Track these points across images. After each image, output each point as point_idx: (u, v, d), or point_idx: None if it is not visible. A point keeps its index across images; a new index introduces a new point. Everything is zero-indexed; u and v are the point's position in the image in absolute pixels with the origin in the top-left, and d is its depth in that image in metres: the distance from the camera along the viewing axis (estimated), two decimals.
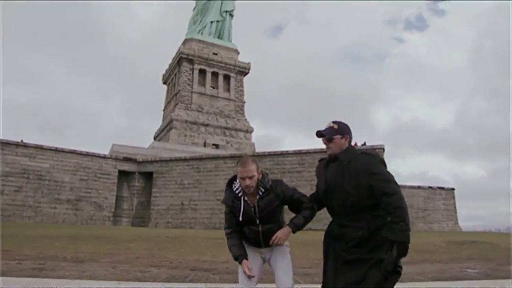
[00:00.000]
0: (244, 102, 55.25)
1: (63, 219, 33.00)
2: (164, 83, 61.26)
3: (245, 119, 54.19)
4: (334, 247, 2.87)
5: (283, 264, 3.13)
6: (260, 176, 3.11)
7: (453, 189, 41.96)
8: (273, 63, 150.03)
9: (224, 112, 52.56)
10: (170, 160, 37.81)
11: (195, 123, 49.52)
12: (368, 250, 2.69)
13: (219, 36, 58.49)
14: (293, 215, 3.20)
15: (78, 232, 17.80)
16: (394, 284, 2.66)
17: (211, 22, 58.55)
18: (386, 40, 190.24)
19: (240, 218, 3.13)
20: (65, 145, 35.77)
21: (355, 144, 30.11)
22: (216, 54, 54.58)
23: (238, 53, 57.97)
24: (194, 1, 61.46)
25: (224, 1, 58.86)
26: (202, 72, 52.88)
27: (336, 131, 2.92)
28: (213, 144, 49.00)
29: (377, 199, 2.68)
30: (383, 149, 32.99)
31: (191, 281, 6.26)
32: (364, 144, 34.80)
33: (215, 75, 53.66)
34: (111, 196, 36.23)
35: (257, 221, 3.09)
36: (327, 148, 2.96)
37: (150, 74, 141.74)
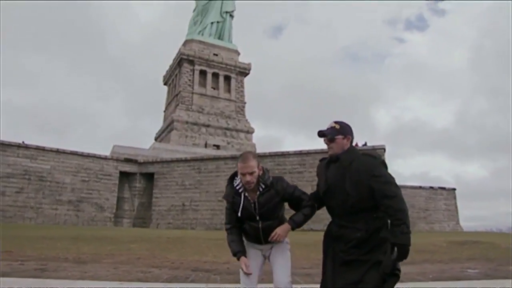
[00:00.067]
0: (245, 103, 55.28)
1: (65, 220, 33.05)
2: (165, 84, 61.33)
3: (246, 120, 54.22)
4: (333, 248, 2.88)
5: (282, 260, 3.14)
6: (261, 172, 3.11)
7: (454, 189, 41.93)
8: (273, 63, 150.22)
9: (225, 113, 52.60)
10: (171, 161, 37.86)
11: (196, 124, 49.57)
12: (366, 251, 2.69)
13: (220, 37, 58.54)
14: (292, 213, 3.21)
15: (79, 233, 17.84)
16: (393, 286, 2.66)
17: (212, 23, 58.60)
18: (387, 40, 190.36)
19: (239, 214, 3.14)
20: (66, 146, 35.86)
21: (356, 145, 30.10)
22: (216, 55, 54.63)
23: (238, 54, 58.02)
24: (194, 2, 61.52)
25: (224, 2, 58.91)
26: (203, 73, 52.93)
27: (338, 131, 2.91)
28: (214, 145, 49.03)
29: (377, 201, 2.68)
30: (384, 149, 32.98)
31: (192, 281, 6.29)
32: (365, 144, 34.78)
33: (215, 76, 53.71)
34: (112, 197, 36.28)
35: (257, 217, 3.10)
36: (328, 148, 2.95)
37: (150, 75, 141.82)
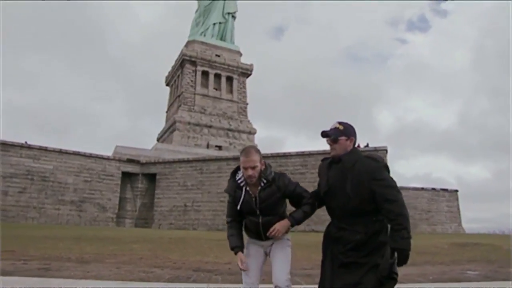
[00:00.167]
0: (247, 104, 55.34)
1: (67, 220, 33.16)
2: (167, 84, 61.44)
3: (248, 121, 54.27)
4: (331, 249, 2.88)
5: (282, 256, 3.13)
6: (263, 167, 3.11)
7: (456, 190, 41.81)
8: (274, 64, 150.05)
9: (227, 113, 52.66)
10: (173, 162, 37.93)
11: (198, 124, 49.65)
12: (364, 254, 2.70)
13: (222, 38, 58.62)
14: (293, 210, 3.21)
15: (82, 233, 17.91)
16: None
17: (214, 24, 58.69)
18: (389, 41, 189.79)
19: (238, 207, 3.15)
20: (66, 146, 36.00)
21: (358, 146, 30.08)
22: (218, 56, 54.71)
23: (240, 54, 58.09)
24: (197, 3, 61.62)
25: (226, 3, 59.00)
26: (205, 74, 53.02)
27: (341, 132, 2.90)
28: (216, 146, 49.09)
29: (378, 204, 2.69)
30: (386, 150, 32.97)
31: (194, 281, 6.34)
32: (367, 145, 34.76)
33: (218, 76, 53.79)
34: (115, 198, 36.38)
35: (257, 212, 3.10)
36: (331, 149, 2.94)
37: (151, 75, 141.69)
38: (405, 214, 2.62)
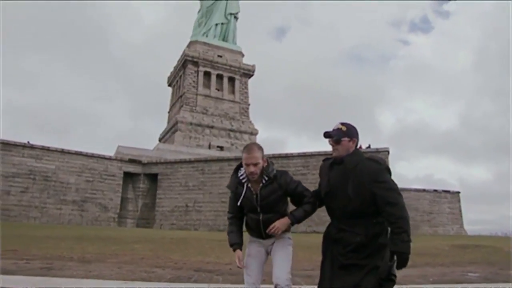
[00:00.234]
0: (249, 104, 55.38)
1: (69, 220, 33.25)
2: (169, 85, 61.52)
3: (250, 121, 54.31)
4: (331, 250, 2.88)
5: (282, 254, 3.11)
6: (265, 164, 3.11)
7: (458, 192, 41.74)
8: (276, 65, 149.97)
9: (229, 114, 52.71)
10: (175, 162, 38.00)
11: (200, 125, 49.71)
12: (364, 256, 2.69)
13: (224, 39, 58.69)
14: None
15: (83, 233, 17.97)
16: None
17: (216, 24, 58.75)
18: (391, 42, 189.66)
19: (239, 203, 3.16)
20: (67, 146, 36.04)
21: (360, 147, 30.02)
22: (221, 56, 54.78)
23: (242, 55, 58.14)
24: (199, 4, 61.74)
25: (228, 4, 59.07)
26: (207, 75, 53.09)
27: (344, 134, 2.88)
28: (218, 146, 49.15)
29: (379, 207, 2.69)
30: (388, 151, 32.97)
31: (195, 281, 6.37)
32: (369, 146, 34.76)
33: (220, 77, 53.84)
34: (116, 198, 36.46)
35: (258, 209, 3.10)
36: (333, 149, 2.92)
37: (153, 76, 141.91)
38: (405, 217, 2.62)
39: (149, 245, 12.66)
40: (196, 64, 52.65)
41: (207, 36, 57.48)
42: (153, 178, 38.25)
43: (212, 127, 50.36)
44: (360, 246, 2.71)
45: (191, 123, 49.20)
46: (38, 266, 7.27)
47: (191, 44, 56.24)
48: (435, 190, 40.69)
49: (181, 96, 52.92)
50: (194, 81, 52.22)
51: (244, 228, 3.36)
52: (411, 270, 7.65)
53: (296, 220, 3.10)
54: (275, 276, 2.98)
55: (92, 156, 36.08)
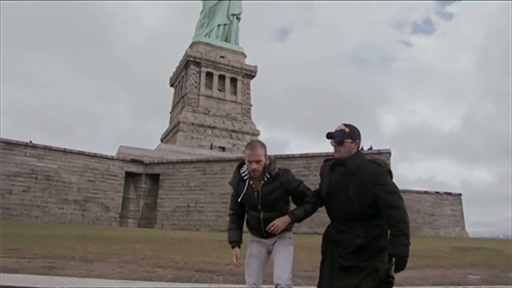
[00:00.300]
0: (251, 105, 55.44)
1: (70, 219, 33.34)
2: (171, 85, 61.63)
3: (252, 122, 54.36)
4: (331, 251, 2.88)
5: (284, 253, 3.10)
6: (268, 162, 3.11)
7: (460, 194, 41.70)
8: (278, 65, 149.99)
9: (231, 115, 52.77)
10: (177, 162, 38.07)
11: (201, 125, 49.78)
12: (365, 258, 2.69)
13: (226, 39, 58.78)
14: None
15: (85, 232, 18.02)
16: None
17: (218, 25, 58.84)
18: (393, 44, 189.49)
19: (239, 199, 3.17)
20: (69, 146, 36.11)
21: (362, 149, 30.02)
22: (223, 57, 54.86)
23: (245, 56, 58.22)
24: (202, 5, 61.85)
25: (231, 5, 59.16)
26: (209, 75, 53.17)
27: (347, 135, 2.88)
28: (220, 147, 49.20)
29: (379, 209, 2.69)
30: (390, 153, 32.95)
31: (196, 281, 6.39)
32: (371, 148, 34.73)
33: (222, 78, 53.92)
34: (118, 197, 36.55)
35: (259, 207, 3.09)
36: (335, 150, 2.92)
37: (155, 76, 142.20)
38: (406, 220, 2.63)
39: (150, 245, 12.70)
40: (198, 64, 52.74)
41: (209, 36, 57.58)
42: (154, 178, 38.32)
43: (214, 127, 50.43)
44: (360, 248, 2.71)
45: (193, 124, 49.27)
46: (40, 265, 7.31)
47: (193, 44, 56.34)
48: (437, 192, 40.67)
49: (183, 97, 53.01)
50: (196, 82, 52.30)
51: (245, 228, 3.36)
52: (412, 272, 7.67)
53: (297, 219, 3.09)
54: (276, 276, 2.97)
55: (94, 156, 36.19)
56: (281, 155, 35.15)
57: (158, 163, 38.54)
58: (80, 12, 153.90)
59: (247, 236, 3.34)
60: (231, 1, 59.22)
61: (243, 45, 59.94)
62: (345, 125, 2.93)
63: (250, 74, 56.19)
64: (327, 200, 2.96)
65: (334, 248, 2.86)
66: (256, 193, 3.10)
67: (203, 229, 33.63)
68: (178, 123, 49.15)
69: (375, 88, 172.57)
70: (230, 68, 54.23)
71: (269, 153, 3.18)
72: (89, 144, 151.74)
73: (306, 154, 34.14)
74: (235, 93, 54.46)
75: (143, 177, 38.36)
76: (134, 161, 38.32)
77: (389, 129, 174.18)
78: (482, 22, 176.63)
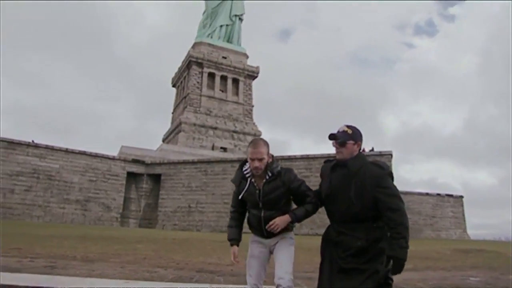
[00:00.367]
0: (253, 106, 55.50)
1: (72, 219, 33.40)
2: (174, 86, 61.73)
3: (253, 123, 54.41)
4: (331, 252, 2.89)
5: (286, 252, 3.10)
6: (270, 160, 3.11)
7: (461, 196, 41.65)
8: (280, 66, 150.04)
9: (233, 115, 52.82)
10: (178, 163, 38.11)
11: (203, 126, 49.83)
12: (365, 260, 2.70)
13: (229, 40, 58.87)
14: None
15: (86, 232, 18.06)
16: None
17: (221, 26, 58.95)
18: (396, 45, 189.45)
19: (240, 196, 3.18)
20: (70, 146, 36.16)
21: (363, 150, 29.99)
22: (225, 57, 54.93)
23: (247, 57, 58.29)
24: (204, 5, 61.95)
25: (233, 6, 59.24)
26: (211, 76, 53.24)
27: (350, 136, 2.88)
28: (221, 148, 49.23)
29: (380, 212, 2.70)
30: (391, 155, 32.93)
31: (197, 281, 6.42)
32: (372, 150, 34.70)
33: (224, 78, 53.98)
34: (119, 198, 36.60)
35: (260, 205, 3.09)
36: (337, 152, 2.91)
37: (156, 77, 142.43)
38: (405, 223, 2.64)
39: (151, 245, 12.73)
40: (200, 65, 52.81)
41: (211, 37, 57.67)
42: (156, 178, 38.37)
43: (215, 128, 50.48)
44: (360, 250, 2.72)
45: (194, 124, 49.33)
46: (42, 264, 7.35)
47: (195, 45, 56.43)
48: (438, 194, 40.63)
49: (185, 97, 53.08)
50: (198, 82, 52.38)
51: (247, 229, 3.37)
52: (412, 274, 7.68)
53: (297, 218, 3.07)
54: (277, 277, 2.96)
55: (95, 156, 36.25)
56: (282, 156, 35.15)
57: (160, 164, 38.59)
58: (81, 12, 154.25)
59: (247, 236, 3.36)
60: (234, 2, 59.30)
61: (245, 46, 60.11)
62: (348, 126, 2.93)
63: (252, 75, 56.26)
64: (327, 201, 2.96)
65: (334, 249, 2.86)
66: (257, 191, 3.10)
67: (204, 229, 33.65)
68: (180, 123, 49.21)
69: (377, 90, 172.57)
70: (232, 68, 54.29)
71: (271, 152, 3.19)
72: (90, 144, 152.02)
73: (308, 155, 34.14)
74: (237, 94, 54.52)
75: (144, 177, 38.41)
76: (135, 161, 38.37)
77: (391, 131, 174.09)
78: (484, 24, 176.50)
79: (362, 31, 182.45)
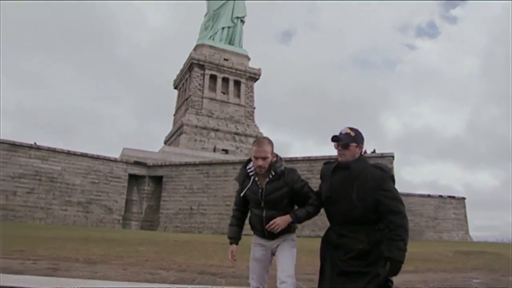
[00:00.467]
0: (254, 108, 55.56)
1: (74, 221, 33.47)
2: (175, 88, 61.86)
3: (255, 125, 54.46)
4: (331, 255, 2.88)
5: (288, 254, 3.09)
6: (274, 159, 3.12)
7: (464, 198, 41.57)
8: (282, 68, 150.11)
9: (234, 117, 52.89)
10: (180, 165, 38.16)
11: (205, 128, 49.90)
12: (367, 263, 2.71)
13: (230, 42, 59.00)
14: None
15: (88, 234, 18.10)
16: None
17: (223, 28, 59.09)
18: (397, 47, 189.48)
19: (242, 194, 3.19)
20: (72, 148, 36.24)
21: (365, 152, 30.09)
22: (227, 60, 55.05)
23: (248, 59, 58.39)
24: (206, 7, 62.11)
25: (235, 8, 59.36)
26: (213, 78, 53.35)
27: (352, 139, 2.87)
28: (223, 149, 49.28)
29: (381, 214, 2.71)
30: (393, 156, 32.92)
31: (199, 283, 6.45)
32: (374, 151, 34.70)
33: (225, 80, 54.09)
34: (121, 200, 36.66)
35: (262, 204, 3.08)
36: (339, 154, 2.91)
37: (158, 78, 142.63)
38: (405, 226, 2.66)
39: (153, 248, 12.76)
40: (202, 67, 52.93)
41: (213, 39, 57.81)
42: (158, 180, 38.43)
43: (217, 130, 50.55)
44: (362, 253, 2.73)
45: (196, 126, 49.41)
46: (45, 266, 7.39)
47: (197, 47, 56.57)
48: (440, 196, 40.56)
49: (187, 99, 53.19)
50: (200, 84, 52.49)
51: (249, 231, 3.37)
52: (413, 276, 7.70)
53: (298, 219, 3.05)
54: (279, 281, 2.95)
55: (97, 158, 36.35)
56: (284, 158, 35.04)
57: (161, 166, 38.65)
58: (81, 13, 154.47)
59: (249, 238, 3.38)
60: (236, 4, 59.43)
61: (247, 48, 60.23)
62: (350, 128, 2.93)
63: (254, 77, 56.35)
64: (327, 203, 2.96)
65: (335, 252, 2.86)
66: (260, 190, 3.10)
67: (205, 231, 33.68)
68: (182, 125, 49.29)
69: (379, 91, 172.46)
70: (234, 71, 54.40)
71: (275, 152, 3.21)
72: (91, 145, 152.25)
73: (309, 157, 34.16)
74: (238, 95, 54.61)
75: (146, 180, 38.48)
76: (137, 163, 38.44)
77: (393, 132, 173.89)
78: (486, 25, 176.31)
79: (364, 33, 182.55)
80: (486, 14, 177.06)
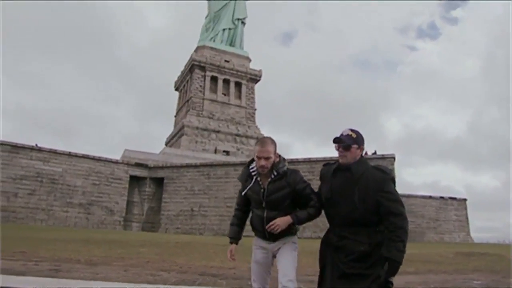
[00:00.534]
0: (255, 109, 55.59)
1: (75, 222, 33.50)
2: (176, 89, 61.93)
3: (256, 126, 54.48)
4: (332, 257, 2.88)
5: (288, 256, 3.08)
6: (277, 159, 3.11)
7: (465, 199, 41.55)
8: (283, 69, 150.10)
9: (235, 119, 52.93)
10: (181, 166, 38.17)
11: (206, 129, 49.94)
12: (368, 265, 2.71)
13: (231, 44, 59.06)
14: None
15: (90, 236, 18.13)
16: None
17: (223, 29, 59.17)
18: (398, 48, 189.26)
19: (243, 193, 3.20)
20: (72, 149, 36.33)
21: (366, 153, 30.10)
22: (228, 61, 55.10)
23: (249, 60, 58.44)
24: (207, 9, 62.22)
25: (236, 9, 59.45)
26: (214, 79, 53.40)
27: (354, 140, 2.87)
28: (224, 151, 49.31)
29: (381, 216, 2.72)
30: (394, 158, 32.90)
31: (200, 285, 6.47)
32: (375, 153, 34.72)
33: (226, 82, 54.14)
34: (122, 201, 36.69)
35: (263, 204, 3.07)
36: (340, 156, 2.89)
37: (159, 80, 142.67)
38: (405, 228, 2.67)
39: (154, 249, 12.78)
40: (203, 69, 53.00)
41: (214, 41, 57.88)
42: (159, 182, 38.46)
43: (218, 131, 50.58)
44: (363, 255, 2.73)
45: (197, 128, 49.45)
46: (46, 267, 7.42)
47: (198, 49, 56.64)
48: (442, 197, 40.55)
49: (187, 101, 53.25)
50: (201, 86, 52.55)
51: (250, 232, 3.37)
52: (413, 277, 7.71)
53: (298, 220, 3.04)
54: (281, 285, 2.94)
55: (99, 159, 36.39)
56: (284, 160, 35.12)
57: (163, 167, 38.69)
58: (81, 13, 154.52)
59: (250, 240, 3.39)
60: (236, 5, 59.52)
61: (248, 49, 60.27)
62: (352, 130, 2.93)
63: (255, 78, 56.39)
64: (328, 204, 2.95)
65: (335, 254, 2.86)
66: (262, 190, 3.09)
67: (206, 233, 33.68)
68: (183, 127, 49.34)
69: (379, 92, 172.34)
70: (234, 72, 54.45)
71: (278, 152, 3.22)
72: (91, 146, 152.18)
73: (310, 158, 34.16)
74: (239, 97, 54.65)
75: (147, 181, 38.51)
76: (138, 165, 38.48)
77: (393, 134, 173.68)
78: (487, 26, 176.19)
79: (364, 34, 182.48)
80: (487, 15, 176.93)
